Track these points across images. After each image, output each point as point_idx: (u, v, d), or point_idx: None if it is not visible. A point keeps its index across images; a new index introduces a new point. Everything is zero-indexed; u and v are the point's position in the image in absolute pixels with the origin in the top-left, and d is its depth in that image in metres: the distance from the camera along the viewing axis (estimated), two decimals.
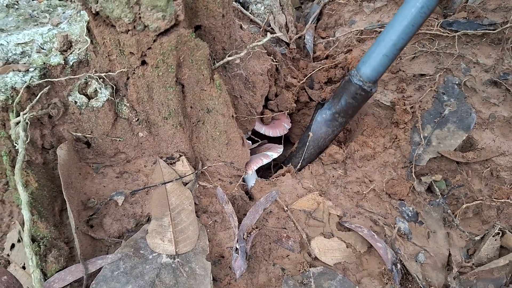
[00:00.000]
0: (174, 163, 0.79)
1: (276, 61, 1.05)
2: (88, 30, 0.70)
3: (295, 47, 1.23)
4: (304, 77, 1.14)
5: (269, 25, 1.16)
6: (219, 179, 0.84)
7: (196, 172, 0.79)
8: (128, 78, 0.71)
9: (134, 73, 0.69)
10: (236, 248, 0.69)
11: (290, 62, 1.19)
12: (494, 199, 0.80)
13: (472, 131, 0.83)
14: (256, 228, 0.73)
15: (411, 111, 0.85)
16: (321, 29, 1.35)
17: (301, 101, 1.13)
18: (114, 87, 0.72)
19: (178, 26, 0.66)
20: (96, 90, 0.71)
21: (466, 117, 0.83)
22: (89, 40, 0.70)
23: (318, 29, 1.36)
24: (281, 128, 1.06)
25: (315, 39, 1.32)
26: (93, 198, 0.73)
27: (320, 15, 1.39)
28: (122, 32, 0.64)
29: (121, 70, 0.69)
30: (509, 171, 0.80)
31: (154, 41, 0.65)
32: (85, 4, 0.63)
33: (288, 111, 1.06)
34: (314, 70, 1.15)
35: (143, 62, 0.68)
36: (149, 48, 0.66)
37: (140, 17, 0.62)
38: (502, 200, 0.79)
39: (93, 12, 0.64)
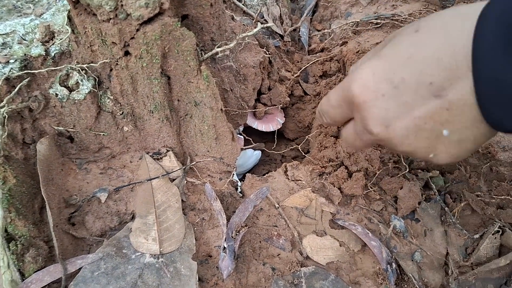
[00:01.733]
0: (161, 158, 0.76)
1: (269, 54, 1.02)
2: (69, 19, 0.67)
3: (290, 40, 1.20)
4: (299, 71, 1.11)
5: (263, 17, 1.12)
6: (209, 175, 0.81)
7: (184, 167, 0.76)
8: (111, 70, 0.68)
9: (117, 64, 0.66)
10: (224, 247, 0.66)
11: (284, 55, 1.16)
12: (494, 196, 0.77)
13: None
14: (246, 226, 0.71)
15: None
16: (316, 21, 1.32)
17: (295, 95, 1.10)
18: (97, 79, 0.68)
19: (162, 15, 0.63)
20: (78, 82, 0.67)
21: None
22: (69, 30, 0.67)
23: (314, 21, 1.33)
24: (274, 122, 1.03)
25: (311, 31, 1.28)
26: (75, 195, 0.70)
27: (316, 7, 1.36)
28: (103, 21, 0.61)
29: (104, 61, 0.66)
30: (509, 166, 0.77)
31: (137, 30, 0.62)
32: None
33: (281, 105, 1.03)
34: (309, 63, 1.11)
35: (126, 53, 0.65)
36: (132, 38, 0.63)
37: (122, 5, 0.59)
38: (502, 197, 0.76)
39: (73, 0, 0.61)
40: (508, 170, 0.77)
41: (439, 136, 0.48)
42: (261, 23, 1.11)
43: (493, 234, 0.74)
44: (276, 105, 1.02)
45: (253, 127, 1.00)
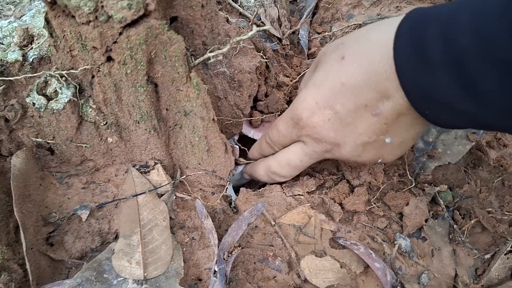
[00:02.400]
0: (149, 171, 0.70)
1: (266, 58, 0.96)
2: (47, 21, 0.61)
3: (289, 43, 1.15)
4: (298, 76, 1.06)
5: (260, 19, 1.07)
6: (200, 189, 0.75)
7: (173, 182, 0.71)
8: (93, 77, 0.62)
9: (99, 70, 0.60)
10: (215, 271, 0.60)
11: (282, 59, 1.10)
12: (506, 212, 0.72)
13: (481, 136, 0.74)
14: (239, 246, 0.65)
15: None
16: (317, 23, 1.27)
17: None
18: (78, 86, 0.63)
19: (148, 17, 0.57)
20: (56, 90, 0.62)
21: None
22: (47, 33, 0.61)
23: (314, 23, 1.27)
24: None
25: (310, 34, 1.23)
26: (55, 212, 0.64)
27: (316, 9, 1.31)
28: (83, 23, 0.55)
29: (85, 67, 0.60)
30: None
31: (120, 34, 0.56)
32: None
33: (279, 113, 0.97)
34: (308, 68, 1.06)
35: (109, 58, 0.59)
36: (115, 42, 0.57)
37: (102, 6, 0.54)
38: None
39: (49, 0, 0.56)
40: None
41: (383, 144, 0.59)
42: (258, 25, 1.06)
43: (505, 254, 0.69)
44: (273, 113, 0.97)
45: (249, 136, 0.95)
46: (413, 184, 0.73)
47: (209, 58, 0.68)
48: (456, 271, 0.69)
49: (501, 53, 0.38)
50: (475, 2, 0.42)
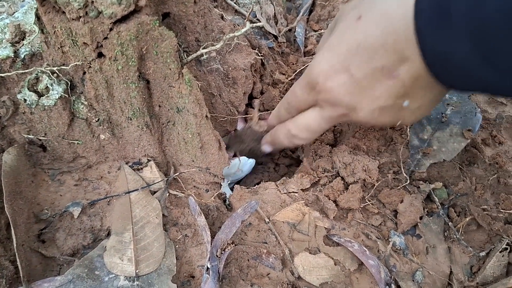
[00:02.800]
0: (142, 169, 0.70)
1: (261, 55, 0.96)
2: (38, 17, 0.61)
3: (285, 41, 1.14)
4: (294, 73, 1.05)
5: (255, 16, 1.06)
6: (194, 186, 0.75)
7: (166, 179, 0.70)
8: (84, 73, 0.62)
9: (90, 66, 0.60)
10: (208, 268, 0.60)
11: (278, 56, 1.10)
12: (501, 210, 0.71)
13: (477, 134, 0.74)
14: (232, 243, 0.65)
15: None
16: (313, 21, 1.26)
17: None
18: (69, 83, 0.63)
19: (139, 13, 0.57)
20: (48, 86, 0.62)
21: (470, 117, 0.74)
22: (37, 30, 0.61)
23: (310, 21, 1.27)
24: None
25: (307, 32, 1.23)
26: (47, 209, 0.64)
27: (313, 7, 1.30)
28: (73, 19, 0.55)
29: (75, 63, 0.60)
30: None
31: (111, 29, 0.56)
32: None
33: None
34: (304, 66, 1.05)
35: (100, 54, 0.59)
36: (105, 38, 0.57)
37: (92, 1, 0.53)
38: (510, 211, 0.70)
39: None
40: None
41: (401, 107, 0.57)
42: (252, 22, 1.05)
43: (500, 252, 0.68)
44: (269, 110, 0.96)
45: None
46: (408, 182, 0.72)
47: (202, 55, 0.68)
48: (451, 269, 0.69)
49: None
50: None
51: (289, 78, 1.02)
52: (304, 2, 1.31)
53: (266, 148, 0.85)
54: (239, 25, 0.98)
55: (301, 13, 1.23)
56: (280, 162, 1.05)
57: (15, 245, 0.56)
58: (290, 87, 1.03)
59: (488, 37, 0.40)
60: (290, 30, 1.19)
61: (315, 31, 1.23)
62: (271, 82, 1.01)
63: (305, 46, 1.18)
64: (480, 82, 0.46)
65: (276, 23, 1.16)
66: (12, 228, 0.57)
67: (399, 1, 0.49)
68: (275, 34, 1.10)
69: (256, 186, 0.78)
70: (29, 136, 0.66)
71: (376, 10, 0.52)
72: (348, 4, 0.61)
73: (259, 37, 1.02)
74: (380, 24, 0.51)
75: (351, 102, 0.58)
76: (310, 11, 1.29)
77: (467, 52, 0.43)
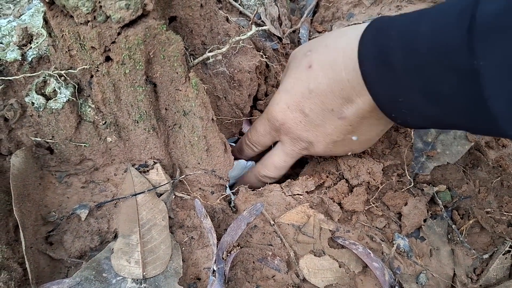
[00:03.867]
0: (148, 171, 0.70)
1: (266, 57, 0.96)
2: (45, 21, 0.61)
3: (289, 42, 1.14)
4: None
5: (260, 18, 1.07)
6: (200, 188, 0.75)
7: (172, 181, 0.71)
8: (91, 76, 0.62)
9: (97, 70, 0.60)
10: (214, 270, 0.61)
11: (282, 58, 1.10)
12: (505, 212, 0.72)
13: (481, 137, 0.74)
14: (238, 245, 0.65)
15: None
16: (317, 22, 1.26)
17: None
18: (77, 86, 0.63)
19: (146, 17, 0.57)
20: (55, 89, 0.62)
21: None
22: (45, 33, 0.61)
23: (314, 22, 1.27)
24: None
25: (311, 33, 1.23)
26: (54, 212, 0.65)
27: (317, 8, 1.31)
28: (81, 23, 0.56)
29: (83, 67, 0.60)
30: None
31: (118, 34, 0.56)
32: None
33: None
34: None
35: (108, 58, 0.59)
36: (113, 42, 0.57)
37: (100, 6, 0.54)
38: None
39: (47, 0, 0.56)
40: None
41: (351, 141, 0.66)
42: (258, 25, 1.06)
43: (503, 254, 0.69)
44: None
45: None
46: (412, 184, 0.73)
47: (208, 58, 0.69)
48: (454, 271, 0.69)
49: (457, 61, 0.40)
50: (435, 12, 0.45)
51: None
52: (308, 3, 1.32)
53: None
54: (243, 27, 0.98)
55: (305, 15, 1.23)
56: None
57: (24, 248, 0.57)
58: None
59: (424, 74, 0.45)
60: (294, 31, 1.19)
61: (319, 32, 1.23)
62: (275, 84, 1.01)
63: None
64: (428, 118, 0.51)
65: (281, 24, 1.17)
66: (20, 230, 0.57)
67: (344, 52, 0.56)
68: (279, 36, 1.10)
69: (261, 188, 0.78)
70: (36, 139, 0.66)
71: (324, 60, 0.60)
72: (300, 50, 0.70)
73: (263, 39, 1.03)
74: (328, 74, 0.58)
75: (308, 137, 0.67)
76: (314, 13, 1.30)
77: (409, 90, 0.48)
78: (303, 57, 0.65)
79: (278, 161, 0.76)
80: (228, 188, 0.85)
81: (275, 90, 1.00)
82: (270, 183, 0.81)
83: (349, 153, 0.72)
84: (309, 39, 1.20)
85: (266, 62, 0.98)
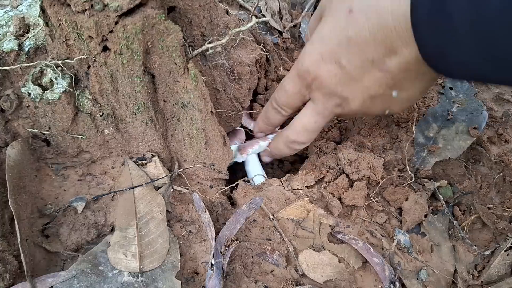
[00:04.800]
0: (146, 164, 0.69)
1: (266, 51, 0.95)
2: (42, 10, 0.60)
3: (289, 37, 1.13)
4: None
5: (260, 11, 1.06)
6: (198, 182, 0.75)
7: (171, 174, 0.70)
8: (89, 67, 0.61)
9: (95, 60, 0.59)
10: (212, 264, 0.60)
11: (283, 52, 1.09)
12: (507, 208, 0.71)
13: (483, 132, 0.73)
14: (237, 240, 0.64)
15: (414, 108, 0.75)
16: None
17: None
18: (74, 77, 0.62)
19: (145, 6, 0.56)
20: (52, 80, 0.61)
21: (476, 115, 0.74)
22: (42, 22, 0.60)
23: None
24: None
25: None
26: (50, 204, 0.64)
27: (318, 2, 1.29)
28: (78, 12, 0.55)
29: (80, 57, 0.59)
30: None
31: (116, 23, 0.55)
32: None
33: None
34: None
35: (105, 48, 0.58)
36: (111, 32, 0.56)
37: None
38: None
39: None
40: None
41: (390, 97, 0.59)
42: (257, 17, 1.04)
43: (505, 251, 0.68)
44: None
45: (250, 128, 0.94)
46: (413, 179, 0.72)
47: (207, 50, 0.67)
48: (455, 267, 0.68)
49: None
50: None
51: None
52: None
53: (266, 159, 0.86)
54: (244, 20, 0.97)
55: (306, 9, 1.22)
56: (284, 158, 1.05)
57: (19, 240, 0.56)
58: None
59: (490, 36, 0.40)
60: (294, 26, 1.18)
61: None
62: (275, 78, 1.00)
63: None
64: (477, 74, 0.48)
65: (281, 18, 1.16)
66: (16, 222, 0.56)
67: None
68: (280, 29, 1.09)
69: (260, 182, 0.78)
70: (33, 130, 0.65)
71: (368, 4, 0.52)
72: None
73: (264, 32, 1.02)
74: (371, 19, 0.52)
75: (343, 92, 0.60)
76: (315, 7, 1.28)
77: (466, 45, 0.43)
78: (341, 1, 0.57)
79: (308, 122, 0.68)
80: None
81: (276, 85, 0.99)
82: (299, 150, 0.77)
83: (386, 112, 0.64)
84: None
85: (266, 56, 0.97)
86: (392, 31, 0.50)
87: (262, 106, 0.97)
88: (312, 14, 1.27)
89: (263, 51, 0.93)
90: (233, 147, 0.80)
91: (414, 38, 0.48)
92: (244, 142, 0.87)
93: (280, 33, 1.10)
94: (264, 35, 1.00)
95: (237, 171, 1.01)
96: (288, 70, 1.04)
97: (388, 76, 0.55)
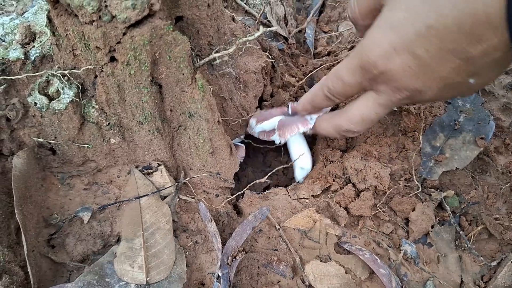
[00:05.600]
0: (152, 173, 0.69)
1: (272, 58, 0.95)
2: (49, 20, 0.60)
3: (295, 42, 1.13)
4: (304, 76, 1.04)
5: (266, 17, 1.05)
6: (204, 191, 0.74)
7: (177, 184, 0.70)
8: (96, 77, 0.61)
9: (102, 71, 0.59)
10: (218, 276, 0.60)
11: (288, 58, 1.09)
12: None
13: (490, 142, 0.73)
14: (243, 250, 0.64)
15: (421, 118, 0.75)
16: (323, 22, 1.25)
17: None
18: (80, 86, 0.62)
19: (153, 17, 0.56)
20: (58, 90, 0.61)
21: (483, 125, 0.73)
22: (49, 32, 0.60)
23: (320, 22, 1.26)
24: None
25: (317, 33, 1.21)
26: (56, 214, 0.64)
27: (323, 7, 1.29)
28: (86, 23, 0.54)
29: (87, 67, 0.59)
30: None
31: (124, 34, 0.55)
32: None
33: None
34: (314, 69, 1.04)
35: (112, 59, 0.58)
36: (118, 42, 0.56)
37: (106, 6, 0.52)
38: None
39: None
40: None
41: (466, 84, 0.54)
42: (264, 24, 1.04)
43: None
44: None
45: (254, 136, 0.93)
46: (420, 189, 0.72)
47: (214, 59, 0.67)
48: (462, 278, 0.68)
49: None
50: None
51: (299, 83, 1.01)
52: (314, 2, 1.30)
53: (309, 132, 0.78)
54: (249, 26, 0.97)
55: (311, 14, 1.22)
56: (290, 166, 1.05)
57: (25, 251, 0.55)
58: (300, 89, 1.02)
59: None
60: (300, 31, 1.18)
61: (325, 32, 1.22)
62: (281, 85, 1.00)
63: (315, 48, 1.17)
64: None
65: (286, 24, 1.15)
66: (22, 233, 0.56)
67: None
68: (285, 35, 1.08)
69: (266, 191, 0.77)
70: (39, 139, 0.65)
71: None
72: None
73: (270, 39, 1.01)
74: (457, 5, 0.47)
75: (417, 85, 0.55)
76: (320, 12, 1.28)
77: None
78: None
79: (368, 113, 0.62)
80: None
81: (281, 91, 0.98)
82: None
83: (457, 97, 0.62)
84: (315, 40, 1.19)
85: (272, 63, 0.97)
86: (481, 17, 0.46)
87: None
88: (317, 20, 1.27)
89: (269, 58, 0.92)
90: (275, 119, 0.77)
91: (507, 24, 0.44)
92: (284, 120, 0.81)
93: (286, 39, 1.09)
94: (270, 42, 0.99)
95: (242, 177, 1.01)
96: (293, 77, 1.04)
97: (470, 64, 0.51)
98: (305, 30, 1.17)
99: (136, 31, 0.55)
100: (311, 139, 0.99)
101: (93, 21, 0.54)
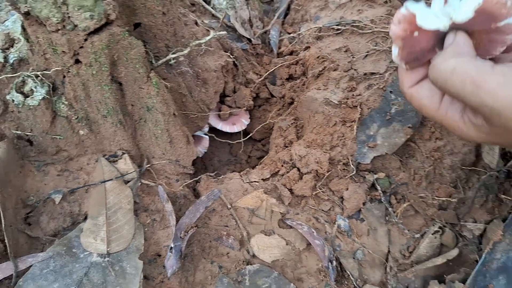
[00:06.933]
0: (117, 161, 0.79)
1: (233, 57, 1.05)
2: (23, 28, 0.70)
3: (260, 43, 1.23)
4: (266, 73, 1.14)
5: (230, 20, 1.15)
6: (166, 176, 0.84)
7: (139, 170, 0.79)
8: (64, 77, 0.71)
9: (69, 71, 0.69)
10: (171, 247, 0.69)
11: (253, 57, 1.19)
12: (436, 197, 0.80)
13: (417, 130, 0.83)
14: (196, 226, 0.74)
15: (358, 110, 0.85)
16: (288, 24, 1.35)
17: (261, 97, 1.13)
18: (51, 85, 0.72)
19: (111, 25, 0.66)
20: (32, 88, 0.70)
21: (411, 115, 0.83)
22: (23, 39, 0.70)
23: (285, 24, 1.35)
24: (239, 124, 1.07)
25: (281, 34, 1.31)
26: (32, 196, 0.73)
27: (289, 10, 1.39)
28: (52, 31, 0.64)
29: (56, 68, 0.69)
30: (451, 170, 0.81)
31: (85, 40, 0.65)
32: (14, 3, 0.63)
33: (245, 108, 1.06)
34: (276, 66, 1.14)
35: (77, 61, 0.68)
36: (81, 47, 0.66)
37: (69, 17, 0.62)
38: (443, 198, 0.80)
39: (23, 12, 0.64)
40: (450, 173, 0.81)
41: None
42: (226, 26, 1.14)
43: (433, 234, 0.78)
44: (240, 108, 1.05)
45: (218, 128, 1.03)
46: (354, 172, 0.82)
47: (170, 60, 0.77)
48: (389, 248, 0.78)
49: None
50: None
51: (260, 79, 1.10)
52: (280, 5, 1.40)
53: None
54: (214, 29, 1.06)
55: (275, 17, 1.32)
56: (252, 155, 1.15)
57: (3, 226, 0.65)
58: (262, 86, 1.12)
59: None
60: (265, 32, 1.27)
61: (289, 33, 1.31)
62: (243, 82, 1.10)
63: (279, 48, 1.26)
64: None
65: (252, 26, 1.25)
66: (1, 211, 0.66)
67: None
68: (249, 37, 1.18)
69: (222, 176, 0.87)
70: (17, 132, 0.74)
71: None
72: None
73: (231, 40, 1.11)
74: None
75: None
76: (286, 15, 1.38)
77: None
78: None
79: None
80: None
81: (243, 88, 1.08)
82: None
83: None
84: (279, 40, 1.28)
85: (233, 62, 1.06)
86: None
87: (230, 107, 1.06)
88: (283, 21, 1.36)
89: (230, 58, 1.02)
90: None
91: None
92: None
93: (249, 40, 1.19)
94: (232, 43, 1.09)
95: (209, 166, 1.11)
96: (256, 74, 1.14)
97: None
98: (269, 31, 1.26)
99: (95, 37, 0.64)
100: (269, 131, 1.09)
101: (59, 29, 0.63)
